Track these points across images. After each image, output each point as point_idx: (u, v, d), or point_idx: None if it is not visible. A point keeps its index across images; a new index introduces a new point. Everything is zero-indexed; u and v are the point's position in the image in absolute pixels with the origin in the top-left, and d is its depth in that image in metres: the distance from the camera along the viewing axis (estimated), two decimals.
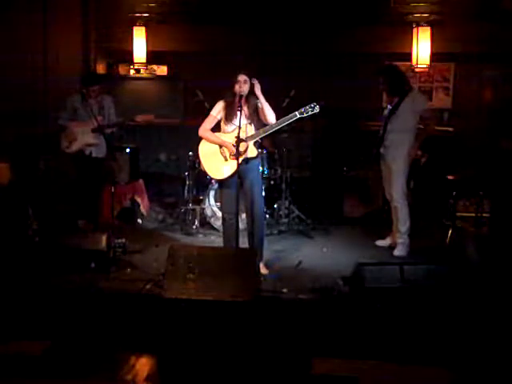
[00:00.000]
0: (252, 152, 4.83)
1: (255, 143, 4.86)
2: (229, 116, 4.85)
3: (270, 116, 4.76)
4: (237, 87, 4.75)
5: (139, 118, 5.95)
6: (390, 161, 5.53)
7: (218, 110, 4.94)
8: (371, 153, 5.67)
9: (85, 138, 5.85)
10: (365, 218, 6.75)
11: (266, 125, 4.85)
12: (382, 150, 5.56)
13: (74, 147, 5.87)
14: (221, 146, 4.88)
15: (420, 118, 5.47)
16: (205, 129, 4.93)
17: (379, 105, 7.37)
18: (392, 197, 5.58)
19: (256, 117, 4.84)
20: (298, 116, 4.69)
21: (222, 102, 4.93)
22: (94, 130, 5.75)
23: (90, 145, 5.87)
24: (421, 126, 5.53)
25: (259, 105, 4.80)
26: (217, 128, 5.00)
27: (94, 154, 5.91)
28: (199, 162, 5.13)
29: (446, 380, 3.34)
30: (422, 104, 5.56)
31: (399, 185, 5.49)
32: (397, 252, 5.54)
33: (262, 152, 5.89)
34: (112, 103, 6.07)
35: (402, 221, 5.54)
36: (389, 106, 5.51)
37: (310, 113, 4.69)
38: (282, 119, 4.72)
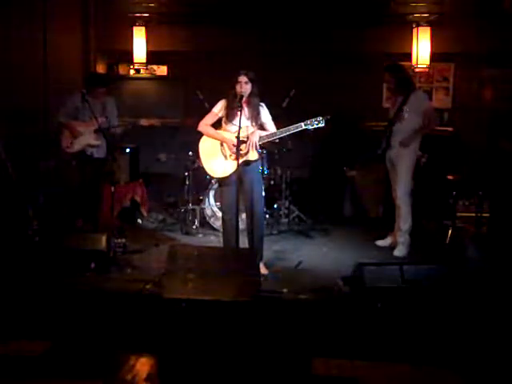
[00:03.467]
0: (253, 155, 4.83)
1: None
2: (230, 116, 4.85)
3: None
4: (238, 88, 4.75)
5: (144, 122, 5.97)
6: (396, 160, 5.55)
7: (219, 108, 4.94)
8: (375, 153, 5.69)
9: (86, 139, 5.84)
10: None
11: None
12: (388, 151, 5.59)
13: (76, 147, 5.86)
14: (222, 144, 4.88)
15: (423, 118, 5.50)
16: (205, 124, 4.94)
17: (379, 105, 7.39)
18: (396, 194, 5.59)
19: (257, 118, 4.86)
20: (304, 127, 4.73)
21: (223, 100, 4.93)
22: (96, 131, 5.74)
23: (91, 146, 5.86)
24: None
25: (261, 111, 4.85)
26: (217, 127, 5.00)
27: (95, 155, 5.90)
28: (199, 160, 5.13)
29: (446, 380, 3.34)
30: (424, 103, 5.58)
31: (404, 183, 5.52)
32: (397, 252, 5.54)
33: (262, 152, 5.89)
34: (115, 105, 6.06)
35: (404, 219, 5.55)
36: (406, 109, 5.48)
37: (315, 126, 4.73)
38: (286, 128, 4.74)
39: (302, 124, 4.73)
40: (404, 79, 5.59)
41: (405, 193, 5.54)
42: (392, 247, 5.68)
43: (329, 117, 4.74)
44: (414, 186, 5.60)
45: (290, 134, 4.82)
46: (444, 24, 7.23)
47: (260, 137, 4.80)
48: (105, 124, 5.74)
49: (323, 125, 4.74)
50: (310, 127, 4.73)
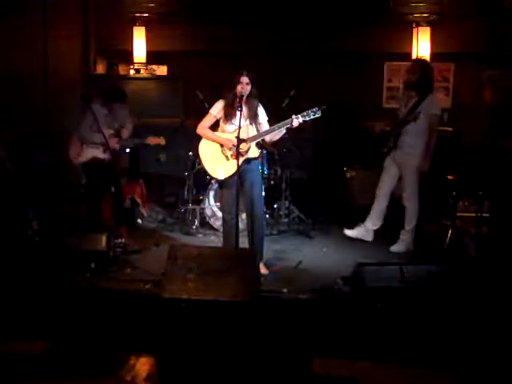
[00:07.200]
0: (254, 153, 4.83)
1: (256, 144, 4.87)
2: (228, 116, 4.85)
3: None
4: (239, 88, 4.75)
5: (150, 140, 5.94)
6: (404, 160, 5.54)
7: (217, 109, 4.94)
8: (379, 153, 5.69)
9: (92, 153, 5.78)
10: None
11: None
12: (394, 150, 5.58)
13: (82, 159, 5.85)
14: (222, 146, 4.88)
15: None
16: (203, 126, 4.94)
17: (379, 105, 7.40)
18: (403, 194, 5.59)
19: (256, 119, 4.86)
20: (301, 120, 4.71)
21: (221, 101, 4.93)
22: (103, 144, 5.58)
23: (97, 158, 5.80)
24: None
25: (258, 111, 4.87)
26: (215, 127, 5.00)
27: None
28: (200, 162, 5.13)
29: (446, 381, 3.34)
30: (434, 108, 5.52)
31: (413, 183, 5.53)
32: (395, 247, 5.58)
33: (261, 152, 5.90)
34: (128, 117, 5.99)
35: (410, 219, 5.56)
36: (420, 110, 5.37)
37: (311, 117, 4.72)
38: (283, 122, 4.74)
39: (300, 116, 4.70)
40: (429, 78, 5.53)
41: (413, 192, 5.54)
42: (361, 240, 5.70)
43: (325, 107, 4.72)
44: None
45: (290, 130, 4.82)
46: (444, 24, 7.24)
47: (259, 134, 4.80)
48: (113, 138, 5.64)
49: (320, 115, 4.70)
50: (307, 118, 4.71)
